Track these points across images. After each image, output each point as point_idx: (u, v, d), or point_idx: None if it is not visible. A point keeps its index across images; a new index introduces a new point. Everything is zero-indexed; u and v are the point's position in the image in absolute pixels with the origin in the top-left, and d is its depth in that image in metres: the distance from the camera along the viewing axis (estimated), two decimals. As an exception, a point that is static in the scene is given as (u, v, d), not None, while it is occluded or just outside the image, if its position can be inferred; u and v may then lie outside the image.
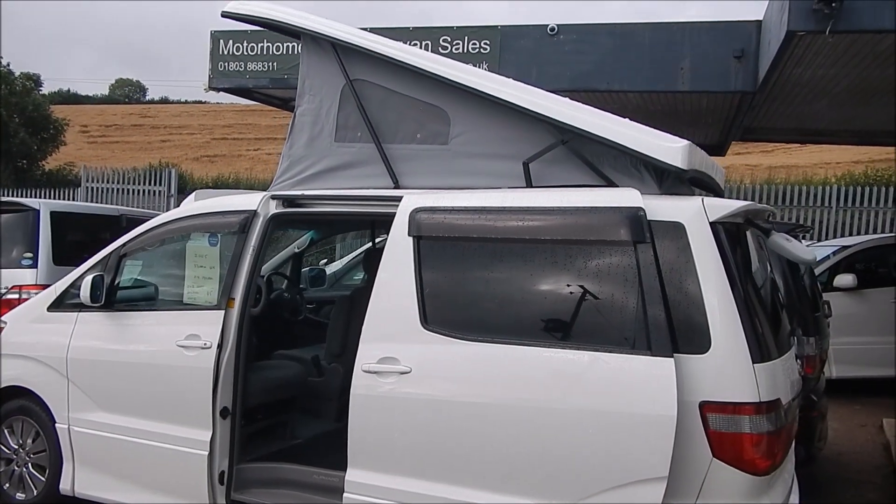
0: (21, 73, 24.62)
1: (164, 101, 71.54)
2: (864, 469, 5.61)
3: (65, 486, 4.04)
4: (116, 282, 4.01)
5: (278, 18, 3.84)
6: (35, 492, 4.19)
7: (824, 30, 5.50)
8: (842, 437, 6.31)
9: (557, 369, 2.78)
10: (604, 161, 3.16)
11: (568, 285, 2.86)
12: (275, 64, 9.62)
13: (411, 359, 3.03)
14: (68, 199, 15.76)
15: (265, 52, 9.63)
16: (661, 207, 2.80)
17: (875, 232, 11.99)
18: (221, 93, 10.58)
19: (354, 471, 3.12)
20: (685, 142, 2.95)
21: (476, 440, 2.89)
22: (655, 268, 2.69)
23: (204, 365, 3.52)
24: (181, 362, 3.59)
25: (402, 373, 3.03)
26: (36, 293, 5.12)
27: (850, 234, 11.83)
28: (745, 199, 4.00)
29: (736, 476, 2.61)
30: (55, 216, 6.60)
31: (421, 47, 6.93)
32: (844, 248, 8.37)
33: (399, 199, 3.27)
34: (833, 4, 5.36)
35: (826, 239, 11.73)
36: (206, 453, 3.53)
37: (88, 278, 3.90)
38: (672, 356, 2.60)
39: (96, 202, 15.38)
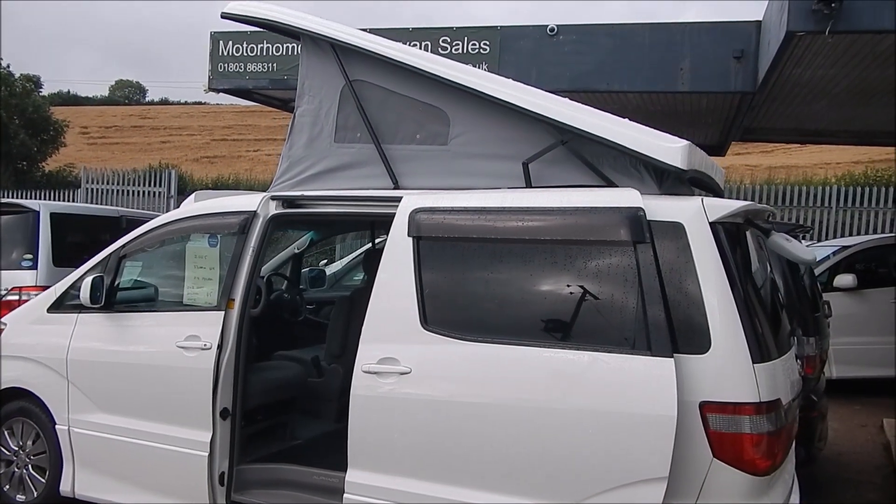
0: (21, 74, 24.68)
1: (164, 102, 71.58)
2: (865, 469, 5.61)
3: (65, 487, 4.04)
4: (116, 283, 4.01)
5: (278, 19, 3.84)
6: (35, 493, 4.18)
7: (824, 30, 5.50)
8: (842, 437, 6.31)
9: (557, 369, 2.78)
10: (603, 161, 3.16)
11: (568, 285, 2.86)
12: (274, 65, 9.62)
13: (411, 359, 3.03)
14: (68, 201, 15.75)
15: (265, 53, 9.64)
16: (661, 207, 2.80)
17: (875, 232, 11.99)
18: (221, 94, 10.57)
19: (354, 471, 3.12)
20: (685, 142, 2.95)
21: (476, 440, 2.89)
22: (655, 268, 2.69)
23: (204, 366, 3.52)
24: (181, 363, 3.59)
25: (402, 373, 3.03)
26: (36, 294, 5.12)
27: (850, 235, 11.83)
28: (745, 200, 4.00)
29: (736, 476, 2.60)
30: (55, 217, 6.60)
31: (420, 48, 6.92)
32: (844, 248, 8.37)
33: (399, 199, 3.27)
34: (833, 5, 5.36)
35: (826, 239, 11.73)
36: (207, 454, 3.53)
37: (88, 279, 3.90)
38: (672, 356, 2.60)
39: (96, 203, 15.39)
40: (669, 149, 2.94)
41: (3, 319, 4.50)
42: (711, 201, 2.84)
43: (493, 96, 3.27)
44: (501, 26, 9.00)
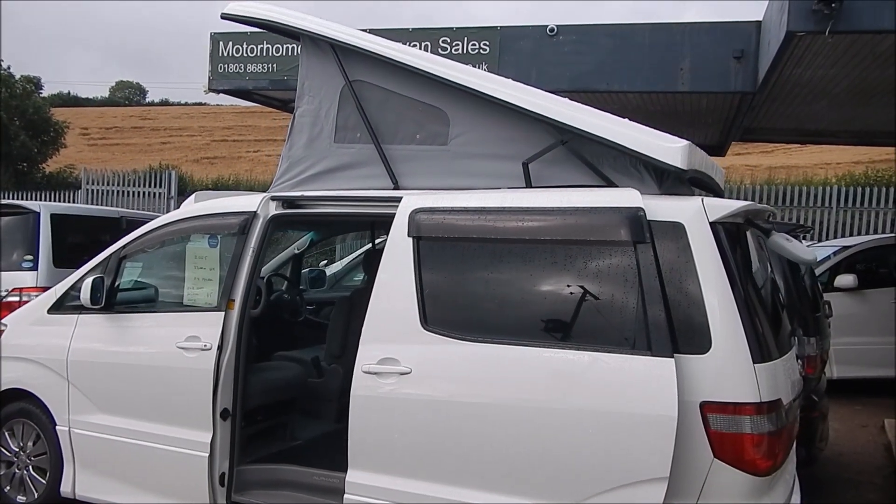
0: (21, 75, 24.69)
1: (165, 103, 71.57)
2: (865, 470, 5.61)
3: (65, 488, 4.04)
4: (116, 284, 4.00)
5: (278, 20, 3.84)
6: (36, 494, 4.18)
7: (824, 30, 5.50)
8: (843, 437, 6.30)
9: (558, 369, 2.78)
10: (603, 161, 3.16)
11: (568, 285, 2.86)
12: (274, 65, 9.62)
13: (411, 359, 3.03)
14: (68, 202, 15.77)
15: (265, 54, 9.64)
16: (661, 207, 2.80)
17: (875, 232, 11.98)
18: (221, 94, 10.58)
19: (355, 472, 3.12)
20: (685, 142, 2.95)
21: (476, 441, 2.89)
22: (655, 268, 2.69)
23: (204, 366, 3.51)
24: (181, 364, 3.59)
25: (403, 373, 3.03)
26: (36, 295, 5.13)
27: (851, 235, 11.82)
28: (745, 200, 4.00)
29: (737, 476, 2.60)
30: (55, 218, 6.61)
31: (420, 48, 6.92)
32: (845, 248, 8.36)
33: (399, 199, 3.27)
34: (833, 5, 5.36)
35: (826, 239, 11.72)
36: (207, 455, 3.52)
37: (88, 280, 3.90)
38: (672, 356, 2.60)
39: (96, 204, 15.40)
40: (669, 149, 2.94)
41: (3, 320, 4.50)
42: (712, 201, 2.83)
43: (492, 96, 3.27)
44: (501, 26, 9.01)
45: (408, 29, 9.63)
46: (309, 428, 4.42)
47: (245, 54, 9.72)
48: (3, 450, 4.32)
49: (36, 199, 13.55)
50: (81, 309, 3.98)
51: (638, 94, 8.90)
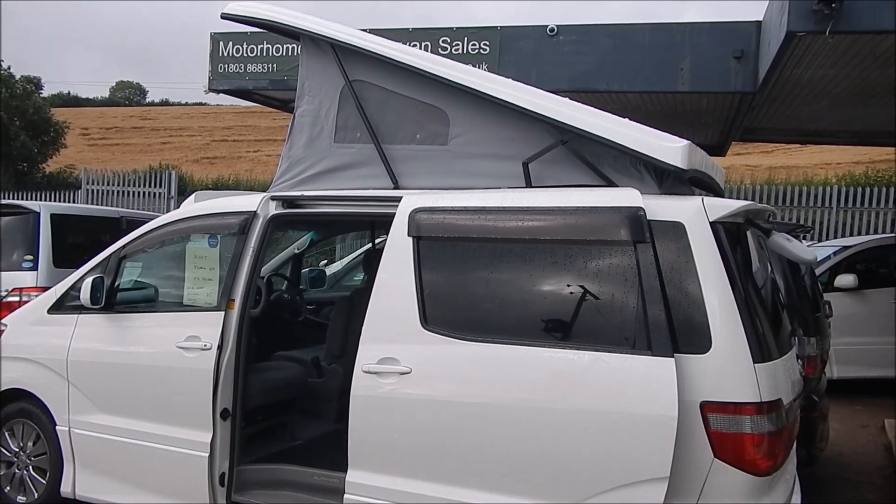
0: (21, 76, 24.68)
1: (165, 103, 71.57)
2: (866, 470, 5.60)
3: (66, 488, 4.04)
4: (116, 284, 4.00)
5: (278, 20, 3.84)
6: (36, 494, 4.18)
7: (824, 30, 5.50)
8: (843, 437, 6.30)
9: (558, 369, 2.78)
10: (603, 161, 3.16)
11: (568, 285, 2.85)
12: (274, 65, 9.62)
13: (411, 359, 3.02)
14: (69, 202, 15.77)
15: (265, 54, 9.64)
16: (661, 207, 2.80)
17: (875, 232, 11.98)
18: (221, 95, 10.58)
19: (355, 472, 3.12)
20: (685, 141, 2.95)
21: (476, 440, 2.89)
22: (655, 268, 2.69)
23: (204, 366, 3.51)
24: (181, 364, 3.59)
25: (403, 373, 3.02)
26: (36, 295, 5.12)
27: (851, 235, 11.82)
28: (746, 200, 4.00)
29: (737, 476, 2.60)
30: (55, 218, 6.61)
31: (420, 48, 6.92)
32: (845, 248, 8.36)
33: (398, 199, 3.27)
34: (833, 5, 5.36)
35: (826, 239, 11.72)
36: (207, 455, 3.52)
37: (88, 280, 3.90)
38: (672, 356, 2.59)
39: (97, 204, 15.39)
40: (670, 148, 2.94)
41: (3, 321, 4.50)
42: (712, 201, 2.83)
43: (493, 96, 3.27)
44: (501, 26, 9.00)
45: (408, 29, 9.63)
46: (309, 428, 4.41)
47: (245, 54, 9.72)
48: (3, 450, 4.31)
49: (36, 199, 13.55)
50: (81, 309, 3.98)
51: (638, 94, 8.90)
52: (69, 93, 65.28)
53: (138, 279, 4.17)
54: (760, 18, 7.87)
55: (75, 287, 4.08)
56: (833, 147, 20.12)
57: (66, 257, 6.33)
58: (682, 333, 2.65)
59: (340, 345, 4.36)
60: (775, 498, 2.80)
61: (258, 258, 3.61)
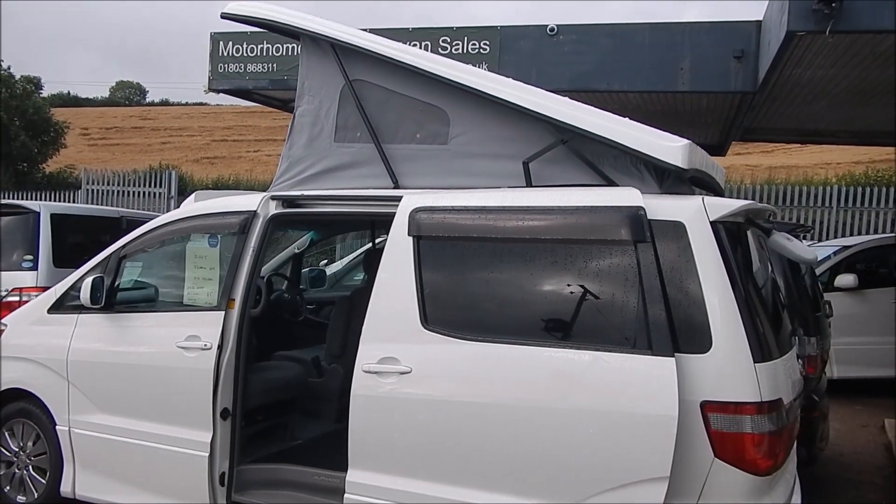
0: (21, 76, 24.69)
1: (165, 103, 71.56)
2: (866, 470, 5.60)
3: (65, 488, 4.03)
4: (116, 283, 4.00)
5: (278, 19, 3.84)
6: (36, 494, 4.18)
7: (824, 30, 5.50)
8: (843, 437, 6.30)
9: (558, 369, 2.78)
10: (604, 160, 3.15)
11: (568, 285, 2.85)
12: (274, 65, 9.62)
13: (411, 359, 3.02)
14: (69, 202, 15.77)
15: (265, 54, 9.64)
16: (662, 207, 2.80)
17: (875, 232, 11.98)
18: (221, 94, 10.58)
19: (355, 471, 3.12)
20: (685, 141, 2.95)
21: (477, 440, 2.88)
22: (656, 267, 2.69)
23: (204, 366, 3.51)
24: (181, 363, 3.59)
25: (403, 373, 3.02)
26: (36, 295, 5.12)
27: (851, 235, 11.82)
28: (746, 200, 3.99)
29: (737, 476, 2.60)
30: (55, 218, 6.60)
31: (420, 48, 6.91)
32: (845, 248, 8.36)
33: (399, 199, 3.27)
34: (833, 4, 5.36)
35: (826, 239, 11.72)
36: (207, 455, 3.52)
37: (88, 280, 3.90)
38: (673, 356, 2.59)
39: (97, 204, 15.39)
40: (670, 148, 2.94)
41: (3, 320, 4.49)
42: (712, 200, 2.83)
43: (493, 95, 3.27)
44: (501, 26, 9.00)
45: (408, 28, 9.63)
46: (309, 427, 4.41)
47: (245, 54, 9.72)
48: (3, 450, 4.31)
49: (36, 199, 13.56)
50: (81, 309, 3.98)
51: (638, 93, 8.90)
52: (69, 93, 65.34)
53: (138, 279, 4.17)
54: (760, 18, 7.87)
55: (75, 287, 4.08)
56: (833, 147, 20.12)
57: (66, 257, 6.33)
58: (682, 333, 2.65)
59: (341, 344, 4.36)
60: (776, 498, 2.79)
61: (258, 258, 3.61)
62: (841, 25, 5.48)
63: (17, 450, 4.27)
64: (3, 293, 6.11)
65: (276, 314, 5.16)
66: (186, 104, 65.94)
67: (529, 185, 3.24)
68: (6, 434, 4.31)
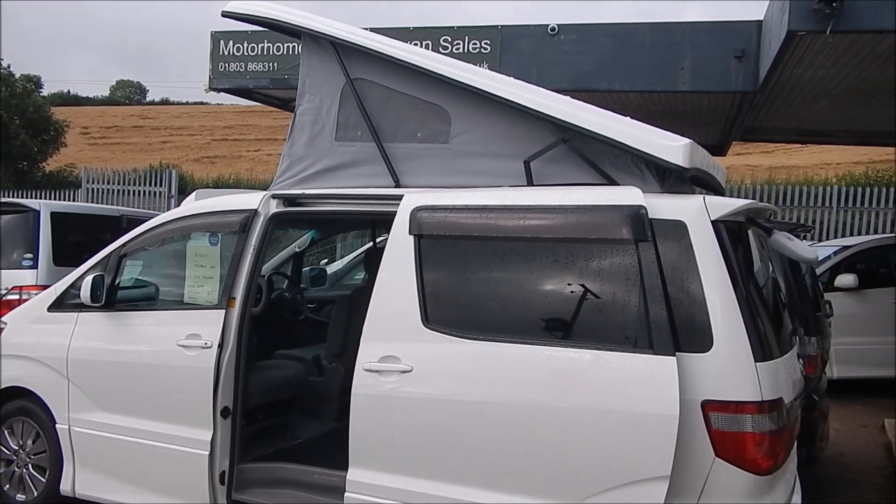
0: (21, 74, 24.72)
1: (165, 102, 71.56)
2: (866, 469, 5.60)
3: (65, 486, 4.03)
4: (117, 282, 4.00)
5: (278, 18, 3.84)
6: (35, 493, 4.18)
7: (825, 30, 5.50)
8: (843, 437, 6.30)
9: (559, 368, 2.77)
10: (605, 159, 3.15)
11: (569, 284, 2.85)
12: (275, 64, 9.62)
13: (412, 358, 3.02)
14: (69, 201, 15.76)
15: (265, 53, 9.63)
16: (663, 206, 2.80)
17: (876, 232, 11.98)
18: (222, 93, 10.58)
19: (356, 470, 3.12)
20: (687, 140, 2.95)
21: (477, 439, 2.88)
22: (657, 266, 2.69)
23: (204, 364, 3.51)
24: (182, 362, 3.59)
25: (404, 372, 3.02)
26: (36, 294, 5.11)
27: (851, 235, 11.83)
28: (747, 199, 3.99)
29: (738, 475, 2.60)
30: (55, 217, 6.60)
31: (421, 47, 6.90)
32: (845, 248, 8.37)
33: (400, 197, 3.27)
34: (833, 4, 5.36)
35: (827, 239, 11.72)
36: (207, 453, 3.52)
37: (89, 278, 3.90)
38: (674, 355, 2.59)
39: (97, 203, 15.38)
40: (671, 147, 2.94)
41: (3, 318, 4.49)
42: (713, 200, 2.83)
43: (494, 94, 3.27)
44: (502, 26, 9.00)
45: (409, 28, 9.62)
46: (310, 426, 4.41)
47: (246, 53, 9.72)
48: (2, 448, 4.31)
49: (36, 198, 13.56)
50: (82, 307, 3.97)
51: (639, 93, 8.91)
52: (69, 92, 65.29)
53: (139, 277, 4.17)
54: (761, 18, 7.87)
55: (75, 285, 4.07)
56: (833, 147, 20.13)
57: (66, 256, 6.32)
58: (683, 332, 2.65)
59: (341, 343, 4.36)
60: (776, 497, 2.79)
61: (259, 256, 3.60)
62: (841, 25, 5.48)
63: (16, 448, 4.27)
64: (3, 291, 6.10)
65: (277, 313, 5.15)
66: (187, 103, 65.92)
67: (531, 184, 3.24)
68: (6, 432, 4.30)
